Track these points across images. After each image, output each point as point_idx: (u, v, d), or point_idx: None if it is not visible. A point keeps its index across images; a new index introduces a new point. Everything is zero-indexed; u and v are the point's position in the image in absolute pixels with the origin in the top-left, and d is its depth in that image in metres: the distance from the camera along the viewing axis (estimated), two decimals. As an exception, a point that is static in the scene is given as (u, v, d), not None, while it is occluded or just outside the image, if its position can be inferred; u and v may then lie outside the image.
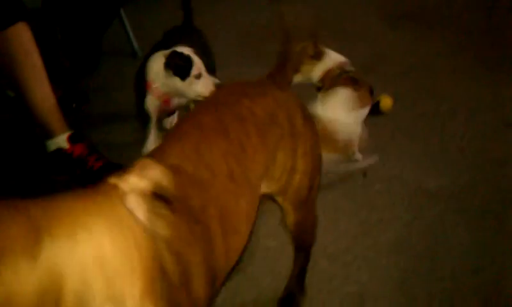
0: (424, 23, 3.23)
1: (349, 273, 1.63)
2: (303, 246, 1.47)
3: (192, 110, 1.45)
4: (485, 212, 1.87)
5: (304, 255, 1.50)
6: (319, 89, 2.07)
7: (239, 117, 1.08)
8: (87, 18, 2.36)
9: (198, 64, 1.80)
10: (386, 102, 2.34)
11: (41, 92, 1.89)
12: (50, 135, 1.92)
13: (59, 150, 1.92)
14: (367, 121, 2.15)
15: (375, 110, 2.33)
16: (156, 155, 0.95)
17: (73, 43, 2.43)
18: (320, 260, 1.67)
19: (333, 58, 2.06)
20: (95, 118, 2.35)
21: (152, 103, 1.89)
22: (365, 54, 2.80)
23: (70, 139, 1.92)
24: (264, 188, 1.17)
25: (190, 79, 1.79)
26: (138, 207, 0.67)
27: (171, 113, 2.10)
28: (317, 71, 2.06)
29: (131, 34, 2.79)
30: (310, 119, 1.26)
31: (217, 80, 1.86)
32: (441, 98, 2.50)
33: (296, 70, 2.02)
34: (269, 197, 1.27)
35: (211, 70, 1.92)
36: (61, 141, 1.92)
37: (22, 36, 1.84)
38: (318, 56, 2.07)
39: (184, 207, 0.88)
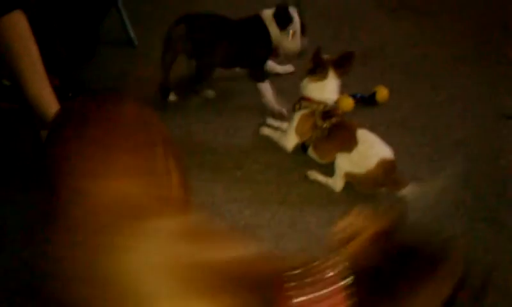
0: (423, 13, 3.22)
1: (343, 264, 1.64)
2: None
3: None
4: (479, 203, 1.88)
5: None
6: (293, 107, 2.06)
7: None
8: (84, 7, 2.35)
9: (296, 24, 2.19)
10: (382, 93, 2.34)
11: (38, 81, 1.88)
12: (46, 125, 1.92)
13: (55, 140, 1.92)
14: (364, 112, 2.15)
15: (371, 101, 2.33)
16: None
17: (70, 31, 2.42)
18: (315, 251, 1.68)
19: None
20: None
21: None
22: (363, 44, 2.80)
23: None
24: None
25: (286, 32, 2.20)
26: None
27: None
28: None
29: (128, 22, 2.78)
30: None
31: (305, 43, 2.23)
32: (437, 89, 2.50)
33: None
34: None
35: None
36: (57, 130, 1.92)
37: (18, 25, 1.83)
38: (316, 74, 2.03)
39: None
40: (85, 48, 2.48)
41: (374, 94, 2.33)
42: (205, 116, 2.29)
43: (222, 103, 2.37)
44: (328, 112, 1.98)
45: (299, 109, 2.04)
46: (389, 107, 2.33)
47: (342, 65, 2.01)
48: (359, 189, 1.92)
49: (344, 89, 2.18)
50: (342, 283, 0.73)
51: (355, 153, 1.88)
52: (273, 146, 2.12)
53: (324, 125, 1.96)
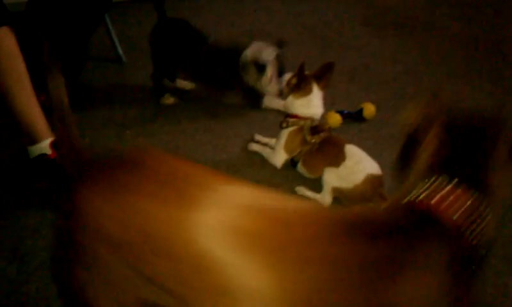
0: (408, 33, 3.27)
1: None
2: None
3: None
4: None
5: None
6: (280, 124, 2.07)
7: None
8: (72, 23, 2.34)
9: (271, 68, 2.29)
10: (369, 109, 2.36)
11: (25, 97, 1.87)
12: (33, 141, 1.91)
13: (42, 156, 1.91)
14: (351, 128, 2.17)
15: (359, 117, 2.35)
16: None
17: (57, 47, 2.41)
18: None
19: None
20: (78, 123, 2.34)
21: None
22: (350, 62, 2.83)
23: (53, 145, 1.91)
24: None
25: (262, 75, 2.32)
26: None
27: None
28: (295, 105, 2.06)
29: (116, 40, 2.79)
30: None
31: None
32: (424, 106, 2.52)
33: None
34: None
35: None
36: (44, 146, 1.90)
37: (6, 41, 1.83)
38: (301, 90, 2.03)
39: None
40: (73, 64, 2.47)
41: (361, 111, 2.35)
42: (193, 133, 2.29)
43: (210, 120, 2.37)
44: (316, 128, 2.00)
45: (287, 126, 2.04)
46: (376, 123, 2.35)
47: (323, 77, 2.03)
48: (346, 204, 1.92)
49: (331, 106, 2.20)
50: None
51: (343, 168, 1.88)
52: (262, 162, 2.12)
53: (313, 140, 1.98)
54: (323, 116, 2.09)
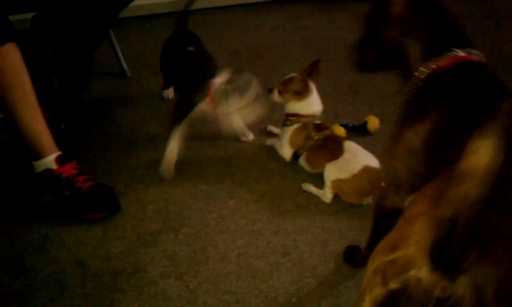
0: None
1: (338, 293, 1.63)
2: None
3: None
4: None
5: None
6: (284, 122, 2.18)
7: None
8: (76, 38, 2.36)
9: (252, 95, 2.06)
10: (373, 123, 2.36)
11: (30, 113, 1.88)
12: (38, 156, 1.92)
13: (47, 171, 1.91)
14: (356, 141, 2.16)
15: (363, 131, 2.35)
16: None
17: (62, 62, 2.43)
18: (309, 281, 1.67)
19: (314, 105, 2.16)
20: (83, 138, 2.35)
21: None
22: (354, 76, 2.83)
23: (58, 160, 1.91)
24: None
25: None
26: None
27: None
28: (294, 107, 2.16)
29: (120, 54, 2.80)
30: None
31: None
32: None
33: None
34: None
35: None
36: (49, 161, 1.91)
37: (11, 57, 1.84)
38: (302, 93, 2.13)
39: None
40: (78, 78, 2.48)
41: (365, 124, 2.35)
42: (198, 146, 2.29)
43: (214, 134, 2.37)
44: (319, 126, 2.12)
45: (291, 124, 2.15)
46: (380, 136, 2.34)
47: (313, 74, 2.15)
48: (346, 199, 1.97)
49: (335, 119, 2.20)
50: None
51: (341, 160, 1.98)
52: (266, 176, 2.12)
53: (317, 137, 2.08)
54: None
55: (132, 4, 2.33)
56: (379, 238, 1.01)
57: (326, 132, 2.10)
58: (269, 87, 2.21)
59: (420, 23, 1.30)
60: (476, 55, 1.28)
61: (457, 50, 1.26)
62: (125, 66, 2.81)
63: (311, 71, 2.15)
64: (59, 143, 1.97)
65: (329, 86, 2.17)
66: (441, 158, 1.22)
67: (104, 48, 2.77)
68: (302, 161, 2.13)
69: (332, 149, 2.03)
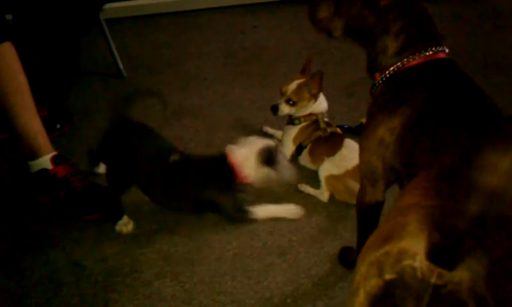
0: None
1: (332, 294, 1.64)
2: None
3: None
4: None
5: None
6: (292, 122, 2.18)
7: None
8: (64, 22, 2.31)
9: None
10: (369, 124, 2.37)
11: (26, 112, 1.88)
12: (34, 155, 1.91)
13: (43, 171, 1.91)
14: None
15: (359, 132, 2.35)
16: None
17: (50, 46, 2.37)
18: (304, 281, 1.68)
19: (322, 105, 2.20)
20: (78, 138, 2.34)
21: None
22: (350, 77, 2.83)
23: (54, 160, 1.91)
24: None
25: None
26: None
27: None
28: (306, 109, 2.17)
29: (116, 54, 2.80)
30: None
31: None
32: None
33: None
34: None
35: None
36: (45, 161, 1.91)
37: (8, 56, 1.84)
38: (316, 96, 2.16)
39: None
40: (66, 70, 2.44)
41: (361, 125, 2.35)
42: (194, 147, 2.29)
43: (211, 134, 2.38)
44: (327, 123, 2.16)
45: (299, 123, 2.16)
46: (376, 137, 2.35)
47: (306, 70, 2.18)
48: (339, 197, 1.99)
49: (331, 121, 2.20)
50: None
51: (337, 156, 2.02)
52: (262, 177, 2.12)
53: (329, 129, 2.13)
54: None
55: (129, 3, 2.30)
56: (367, 236, 1.02)
57: (333, 129, 2.15)
58: (273, 104, 2.17)
59: (400, 20, 1.33)
60: (445, 52, 1.35)
61: (430, 48, 1.32)
62: (121, 66, 2.80)
63: (308, 70, 2.17)
64: (55, 143, 1.97)
65: (325, 88, 2.16)
66: (413, 152, 1.25)
67: (100, 48, 2.78)
68: (304, 156, 2.14)
69: (334, 144, 2.07)
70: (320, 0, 1.46)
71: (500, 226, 0.88)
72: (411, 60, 1.32)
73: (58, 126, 2.33)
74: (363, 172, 1.42)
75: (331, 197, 2.01)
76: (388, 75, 1.35)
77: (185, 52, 3.09)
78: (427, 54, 1.32)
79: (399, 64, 1.33)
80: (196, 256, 1.78)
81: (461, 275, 0.85)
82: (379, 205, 1.44)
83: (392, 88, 1.34)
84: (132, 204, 1.97)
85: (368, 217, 1.47)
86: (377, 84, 1.38)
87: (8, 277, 1.69)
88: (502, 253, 0.88)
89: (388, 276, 0.91)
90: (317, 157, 2.10)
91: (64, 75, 2.45)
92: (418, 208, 0.92)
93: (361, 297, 0.94)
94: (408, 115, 1.27)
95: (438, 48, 1.33)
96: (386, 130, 1.30)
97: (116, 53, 2.80)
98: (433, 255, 0.85)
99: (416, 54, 1.31)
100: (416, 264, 0.87)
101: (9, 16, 2.26)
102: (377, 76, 1.39)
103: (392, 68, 1.34)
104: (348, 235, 1.84)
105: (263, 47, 3.14)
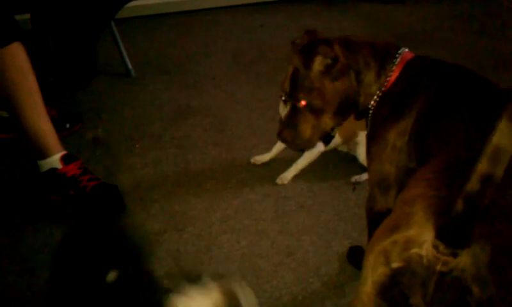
0: (413, 47, 3.25)
1: (342, 294, 1.64)
2: None
3: None
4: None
5: None
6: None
7: None
8: (78, 26, 2.33)
9: None
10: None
11: (36, 112, 1.89)
12: (43, 155, 1.92)
13: (52, 170, 1.92)
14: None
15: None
16: None
17: (67, 53, 2.39)
18: (312, 281, 1.68)
19: None
20: (87, 138, 2.35)
21: None
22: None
23: (63, 160, 1.92)
24: None
25: None
26: None
27: None
28: None
29: (125, 54, 2.81)
30: None
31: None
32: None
33: None
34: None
35: None
36: (54, 161, 1.92)
37: (18, 56, 1.85)
38: None
39: None
40: (83, 70, 2.47)
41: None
42: (202, 146, 2.30)
43: (219, 134, 2.38)
44: None
45: None
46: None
47: None
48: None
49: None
50: None
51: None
52: (270, 176, 2.12)
53: None
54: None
55: (137, 3, 2.31)
56: None
57: None
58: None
59: (360, 57, 1.39)
60: (407, 50, 1.44)
61: (396, 54, 1.41)
62: (129, 65, 2.81)
63: None
64: (64, 143, 1.98)
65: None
66: (427, 145, 1.27)
67: (109, 47, 2.78)
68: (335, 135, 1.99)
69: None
70: (296, 120, 1.45)
71: (503, 215, 0.91)
72: (390, 74, 1.39)
73: (68, 125, 2.34)
74: (374, 181, 1.42)
75: (339, 195, 2.01)
76: (377, 99, 1.40)
77: (193, 51, 3.09)
78: (398, 60, 1.39)
79: (383, 82, 1.39)
80: (205, 255, 1.78)
81: (465, 262, 0.87)
82: (390, 212, 1.44)
83: (387, 102, 1.38)
84: (140, 203, 1.98)
85: (379, 223, 1.47)
86: (370, 112, 1.43)
87: (18, 276, 1.70)
88: (504, 241, 0.90)
89: (395, 264, 0.93)
90: (347, 132, 2.04)
91: (85, 65, 2.46)
92: (424, 199, 0.95)
93: (369, 287, 0.96)
94: (416, 112, 1.30)
95: (400, 51, 1.42)
96: (396, 134, 1.32)
97: (124, 52, 2.81)
98: (441, 235, 0.88)
99: (391, 66, 1.39)
100: (423, 252, 0.90)
101: (25, 16, 2.29)
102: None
103: (378, 92, 1.40)
104: (357, 234, 1.84)
105: (270, 46, 3.15)
